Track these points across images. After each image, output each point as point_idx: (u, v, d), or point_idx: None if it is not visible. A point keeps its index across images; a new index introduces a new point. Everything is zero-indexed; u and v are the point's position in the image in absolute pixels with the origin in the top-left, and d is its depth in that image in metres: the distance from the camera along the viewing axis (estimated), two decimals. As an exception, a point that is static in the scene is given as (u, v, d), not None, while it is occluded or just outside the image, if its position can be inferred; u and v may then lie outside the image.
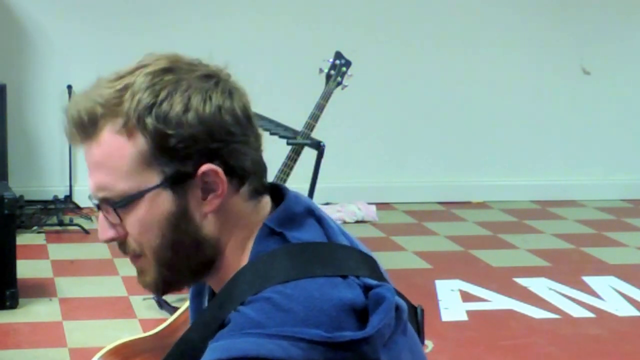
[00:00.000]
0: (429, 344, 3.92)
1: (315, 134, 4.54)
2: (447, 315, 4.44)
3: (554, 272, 5.10)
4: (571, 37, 6.62)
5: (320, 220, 1.48)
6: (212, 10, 6.08)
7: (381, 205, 6.24)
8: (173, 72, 1.42)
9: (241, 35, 6.04)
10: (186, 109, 1.39)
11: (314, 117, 4.54)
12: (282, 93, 5.98)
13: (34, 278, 4.68)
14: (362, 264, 1.45)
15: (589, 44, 6.65)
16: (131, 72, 1.42)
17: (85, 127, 1.41)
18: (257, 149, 1.46)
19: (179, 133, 1.38)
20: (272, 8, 6.18)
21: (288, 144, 4.43)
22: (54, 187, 6.00)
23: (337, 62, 4.71)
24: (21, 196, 5.40)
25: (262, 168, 1.47)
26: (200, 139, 1.39)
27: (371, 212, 6.06)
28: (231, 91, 1.44)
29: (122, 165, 1.40)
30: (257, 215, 1.46)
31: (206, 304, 1.57)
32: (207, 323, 1.39)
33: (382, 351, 1.36)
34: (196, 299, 1.61)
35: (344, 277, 1.39)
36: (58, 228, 5.54)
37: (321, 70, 4.71)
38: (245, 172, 1.44)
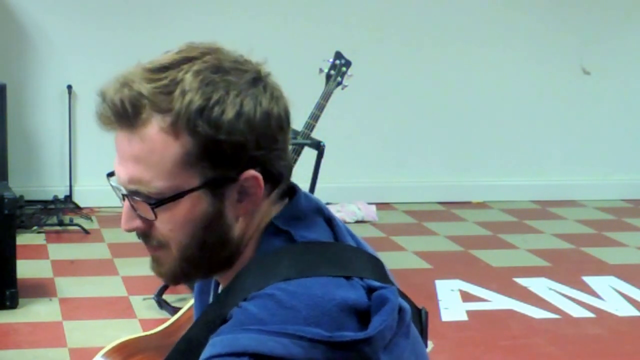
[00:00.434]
0: (429, 344, 3.92)
1: (315, 134, 4.54)
2: (447, 315, 4.44)
3: (554, 272, 5.10)
4: (571, 37, 6.62)
5: (329, 220, 1.48)
6: (212, 10, 6.08)
7: (381, 205, 6.24)
8: (222, 72, 1.39)
9: (241, 35, 6.02)
10: (238, 116, 1.37)
11: (314, 117, 4.54)
12: (282, 93, 5.97)
13: (34, 278, 4.68)
14: (368, 265, 1.45)
15: (589, 44, 6.65)
16: (177, 66, 1.39)
17: (127, 117, 1.37)
18: (289, 152, 1.45)
19: (228, 139, 1.36)
20: (272, 8, 6.18)
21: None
22: (54, 187, 5.99)
23: (337, 62, 4.71)
24: (21, 196, 5.41)
25: (291, 172, 1.47)
26: (248, 147, 1.38)
27: (371, 212, 6.06)
28: (277, 96, 1.42)
29: (164, 164, 1.37)
30: (273, 214, 1.46)
31: (211, 301, 1.56)
32: (210, 320, 1.38)
33: (383, 353, 1.35)
34: (201, 296, 1.61)
35: (348, 278, 1.38)
36: (58, 228, 5.54)
37: (321, 70, 4.71)
38: (281, 177, 1.44)
